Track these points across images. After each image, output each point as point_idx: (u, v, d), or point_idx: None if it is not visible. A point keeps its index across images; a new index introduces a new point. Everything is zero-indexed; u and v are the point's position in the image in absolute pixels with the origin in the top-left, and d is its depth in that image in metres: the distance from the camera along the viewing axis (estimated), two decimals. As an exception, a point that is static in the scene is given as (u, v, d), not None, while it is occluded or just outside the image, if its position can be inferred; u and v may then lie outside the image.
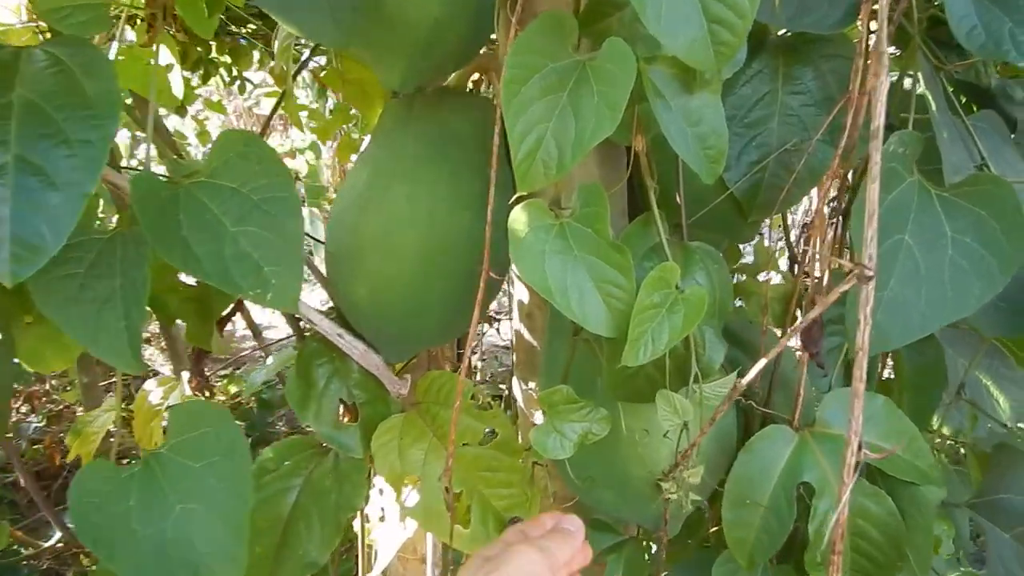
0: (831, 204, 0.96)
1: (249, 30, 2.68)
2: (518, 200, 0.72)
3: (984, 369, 1.23)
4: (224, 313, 1.12)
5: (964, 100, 1.24)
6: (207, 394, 1.16)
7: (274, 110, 1.15)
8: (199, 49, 2.89)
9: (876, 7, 0.66)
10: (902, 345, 0.74)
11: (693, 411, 0.75)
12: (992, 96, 1.20)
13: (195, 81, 3.15)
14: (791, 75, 0.88)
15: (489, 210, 0.78)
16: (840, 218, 1.09)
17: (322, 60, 1.57)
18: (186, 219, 0.77)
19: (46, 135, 0.68)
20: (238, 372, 4.73)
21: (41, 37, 1.40)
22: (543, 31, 0.67)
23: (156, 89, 1.52)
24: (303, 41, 1.28)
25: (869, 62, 0.69)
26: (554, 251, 0.72)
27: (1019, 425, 1.21)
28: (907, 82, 1.11)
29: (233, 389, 4.47)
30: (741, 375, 1.02)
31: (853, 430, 0.57)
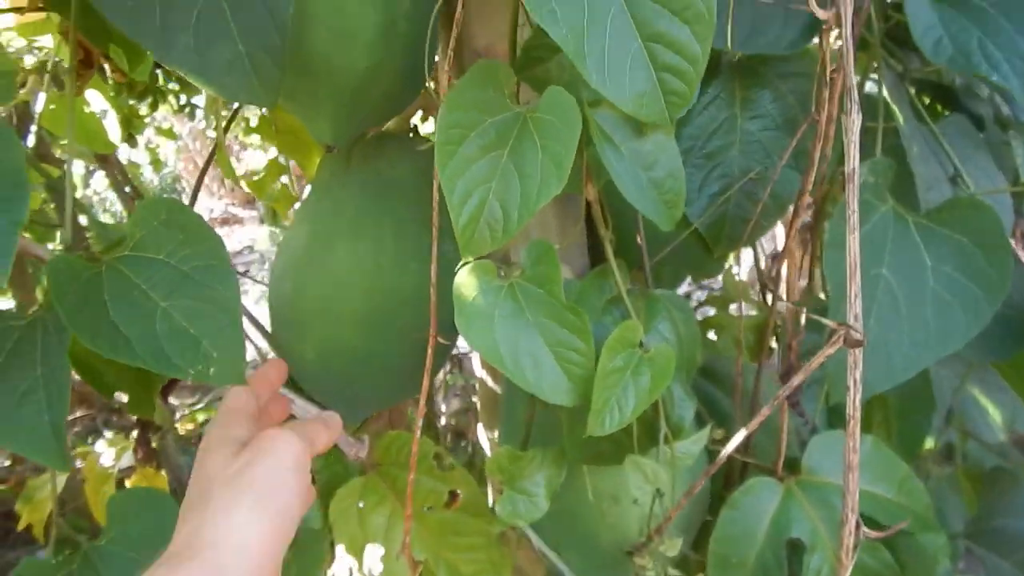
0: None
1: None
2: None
3: (970, 377, 1.18)
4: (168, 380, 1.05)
5: (928, 101, 1.20)
6: (155, 464, 1.08)
7: (207, 165, 1.09)
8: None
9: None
10: (886, 389, 0.69)
11: (666, 476, 0.69)
12: (956, 94, 1.16)
13: (143, 109, 3.07)
14: (749, 99, 0.82)
15: (433, 269, 0.72)
16: (809, 237, 1.04)
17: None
18: (112, 300, 0.70)
19: (-54, 223, 0.61)
20: (208, 399, 4.62)
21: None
22: (477, 83, 0.61)
23: (89, 136, 1.45)
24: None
25: (831, 90, 0.64)
26: (504, 315, 0.66)
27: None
28: (868, 85, 1.07)
29: (201, 417, 4.35)
30: (715, 411, 0.97)
31: (850, 507, 0.52)
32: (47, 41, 1.64)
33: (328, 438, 0.65)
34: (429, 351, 0.73)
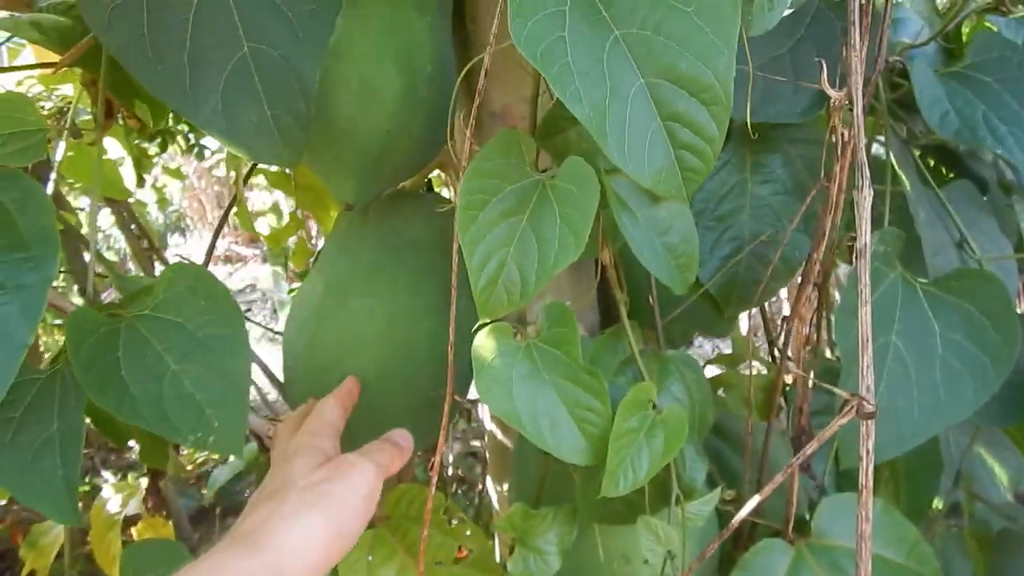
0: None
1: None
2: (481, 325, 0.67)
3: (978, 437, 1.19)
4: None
5: (933, 163, 1.22)
6: (164, 514, 1.09)
7: (225, 215, 1.11)
8: (154, 118, 2.85)
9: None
10: (896, 456, 0.70)
11: (678, 537, 0.70)
12: (961, 157, 1.18)
13: (152, 150, 3.11)
14: (760, 163, 0.85)
15: (451, 330, 0.73)
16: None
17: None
18: (125, 357, 0.71)
19: (-24, 280, 0.62)
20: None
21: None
22: (499, 151, 0.63)
23: (106, 183, 1.48)
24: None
25: (841, 160, 0.65)
26: (522, 376, 0.67)
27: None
28: (875, 147, 1.09)
29: (200, 457, 4.33)
30: (724, 468, 0.98)
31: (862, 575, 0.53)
32: (67, 89, 1.68)
33: (401, 461, 0.70)
34: (446, 408, 0.73)
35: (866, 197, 0.54)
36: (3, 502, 3.78)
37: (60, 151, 1.21)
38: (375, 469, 0.64)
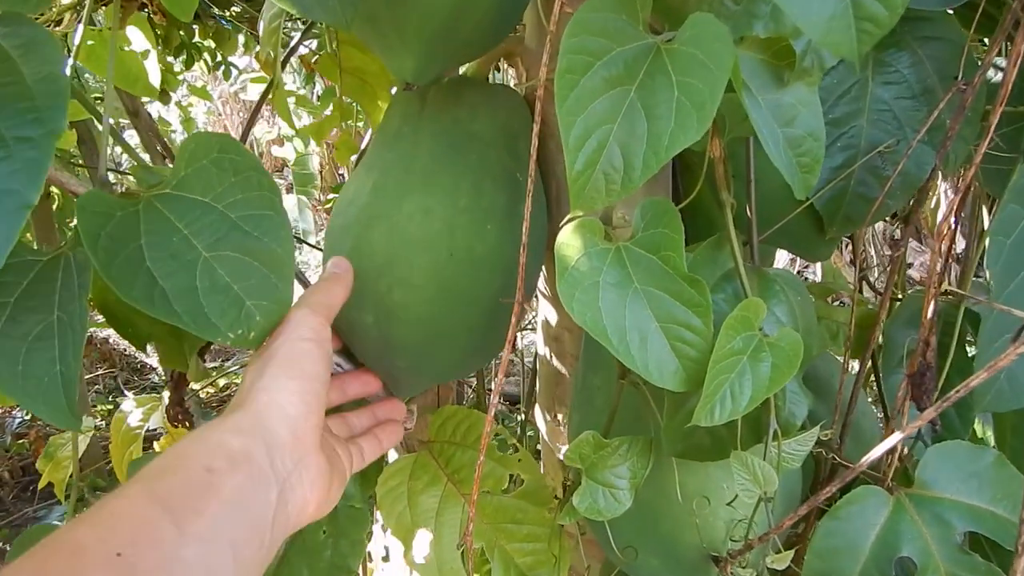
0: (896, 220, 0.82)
1: (233, 13, 2.52)
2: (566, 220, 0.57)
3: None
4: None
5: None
6: (187, 425, 1.01)
7: (261, 100, 1.01)
8: (181, 33, 2.76)
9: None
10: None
11: (775, 478, 0.61)
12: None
13: (178, 67, 3.02)
14: (883, 61, 0.73)
15: (525, 228, 0.63)
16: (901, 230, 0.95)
17: (313, 44, 1.41)
18: (148, 244, 0.61)
19: (-27, 133, 0.52)
20: (227, 364, 4.57)
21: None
22: (608, 5, 0.52)
23: (129, 78, 1.38)
24: (292, 23, 1.12)
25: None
26: (610, 283, 0.57)
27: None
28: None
29: (223, 382, 4.30)
30: (811, 418, 0.89)
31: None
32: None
33: (342, 288, 0.70)
34: (513, 319, 0.64)
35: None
36: (28, 417, 3.79)
37: (78, 37, 1.10)
38: (311, 313, 0.64)
